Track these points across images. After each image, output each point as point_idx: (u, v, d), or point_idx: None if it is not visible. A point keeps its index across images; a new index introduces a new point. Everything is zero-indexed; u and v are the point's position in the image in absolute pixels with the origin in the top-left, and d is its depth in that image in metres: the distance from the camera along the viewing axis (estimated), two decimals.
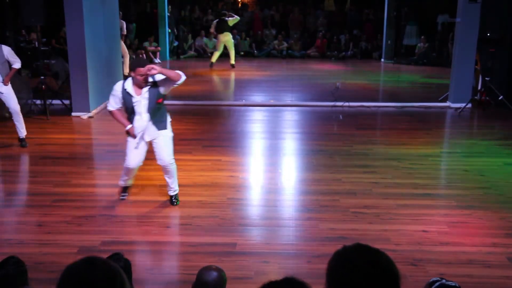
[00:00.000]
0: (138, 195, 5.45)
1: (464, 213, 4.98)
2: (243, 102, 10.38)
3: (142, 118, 4.82)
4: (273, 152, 7.16)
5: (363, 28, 18.30)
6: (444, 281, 2.31)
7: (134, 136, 4.89)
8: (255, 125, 8.80)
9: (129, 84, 4.79)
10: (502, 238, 4.48)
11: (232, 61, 14.80)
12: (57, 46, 14.29)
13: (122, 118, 4.93)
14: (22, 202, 5.44)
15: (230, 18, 14.62)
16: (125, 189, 5.34)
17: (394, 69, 15.74)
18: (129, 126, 4.87)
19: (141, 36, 16.80)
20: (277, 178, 6.03)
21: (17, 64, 7.04)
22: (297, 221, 4.82)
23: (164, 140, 4.93)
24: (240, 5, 19.90)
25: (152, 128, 4.88)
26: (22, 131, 7.14)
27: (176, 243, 4.38)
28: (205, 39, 17.73)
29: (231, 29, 15.21)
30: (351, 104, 9.92)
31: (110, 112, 5.00)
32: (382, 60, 16.95)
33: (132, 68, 4.77)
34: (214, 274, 2.78)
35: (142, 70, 4.64)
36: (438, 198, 5.46)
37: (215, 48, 15.47)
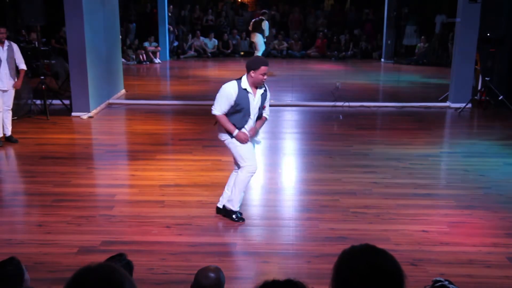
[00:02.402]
0: (138, 195, 5.44)
1: (464, 213, 4.98)
2: None
3: (252, 120, 4.64)
4: (273, 152, 7.16)
5: (363, 28, 18.31)
6: (446, 283, 2.32)
7: (245, 141, 4.57)
8: None
9: (245, 83, 4.54)
10: (502, 238, 4.48)
11: None
12: (57, 46, 14.30)
13: (228, 123, 4.55)
14: (22, 202, 5.43)
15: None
16: (241, 214, 4.81)
17: (394, 69, 15.74)
18: (235, 132, 4.54)
19: (141, 36, 16.82)
20: (277, 178, 6.03)
21: (23, 65, 7.40)
22: (297, 221, 4.82)
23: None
24: (238, 3, 19.86)
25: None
26: (10, 128, 7.33)
27: (176, 243, 4.37)
28: (204, 39, 17.73)
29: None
30: (351, 104, 9.92)
31: (216, 116, 4.57)
32: (382, 60, 16.96)
33: (255, 66, 4.52)
34: (212, 276, 2.77)
35: (265, 68, 4.54)
36: (438, 198, 5.45)
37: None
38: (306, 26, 18.94)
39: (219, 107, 4.53)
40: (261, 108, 4.68)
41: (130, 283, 1.65)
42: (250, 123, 4.63)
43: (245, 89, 4.52)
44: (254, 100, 4.59)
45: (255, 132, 4.66)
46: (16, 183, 6.11)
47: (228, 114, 4.55)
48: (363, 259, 1.74)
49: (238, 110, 4.54)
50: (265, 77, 4.55)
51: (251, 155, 4.64)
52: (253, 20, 14.49)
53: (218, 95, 4.57)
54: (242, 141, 4.56)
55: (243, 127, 4.60)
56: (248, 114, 4.58)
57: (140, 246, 4.27)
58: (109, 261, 2.61)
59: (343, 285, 1.74)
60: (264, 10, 15.13)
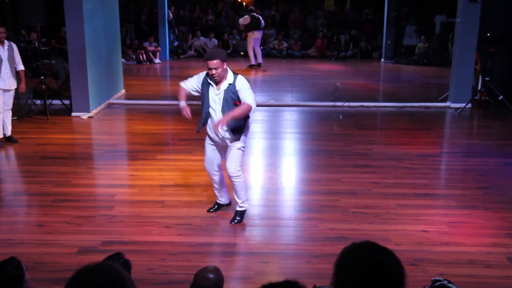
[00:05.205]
0: (138, 195, 5.44)
1: (464, 213, 4.98)
2: None
3: (215, 113, 4.57)
4: (273, 152, 7.16)
5: (363, 28, 18.31)
6: (446, 282, 2.32)
7: (184, 113, 4.61)
8: (255, 125, 8.77)
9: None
10: (502, 238, 4.48)
11: (260, 60, 14.92)
12: (57, 46, 14.30)
13: (181, 95, 4.64)
14: (22, 202, 5.43)
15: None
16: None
17: (394, 69, 15.75)
18: (181, 104, 4.60)
19: (141, 36, 16.82)
20: (277, 178, 6.03)
21: (21, 66, 7.44)
22: (297, 221, 4.82)
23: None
24: (244, 4, 19.89)
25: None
26: (10, 128, 7.34)
27: (176, 243, 4.37)
28: (204, 39, 17.74)
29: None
30: (351, 104, 9.92)
31: (179, 87, 4.66)
32: (382, 60, 16.96)
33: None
34: (211, 277, 2.76)
35: (209, 63, 4.31)
36: (438, 198, 5.46)
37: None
38: (306, 26, 18.93)
39: (188, 81, 4.62)
40: (231, 102, 4.39)
41: (130, 282, 1.66)
42: (214, 116, 4.48)
43: (207, 80, 4.46)
44: (216, 93, 4.43)
45: (218, 126, 4.34)
46: (16, 183, 6.11)
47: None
48: (364, 257, 1.75)
49: (202, 100, 4.55)
50: (213, 71, 4.31)
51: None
52: (247, 17, 14.67)
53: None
54: (182, 112, 4.52)
55: (205, 116, 4.55)
56: (207, 106, 4.49)
57: (140, 246, 4.27)
58: (107, 261, 2.61)
59: (344, 282, 1.74)
60: (251, 7, 15.41)
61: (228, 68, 4.44)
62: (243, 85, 4.39)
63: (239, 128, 4.51)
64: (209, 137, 4.67)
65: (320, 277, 3.48)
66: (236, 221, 4.73)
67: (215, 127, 4.40)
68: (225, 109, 4.40)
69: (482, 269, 3.94)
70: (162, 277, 3.79)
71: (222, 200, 5.00)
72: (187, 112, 4.49)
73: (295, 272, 3.80)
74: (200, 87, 4.54)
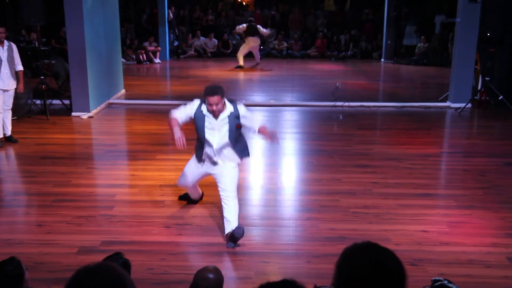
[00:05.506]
0: (138, 195, 5.44)
1: (464, 213, 4.98)
2: (243, 102, 10.37)
3: (215, 144, 4.52)
4: (273, 152, 7.16)
5: (363, 28, 18.31)
6: (446, 282, 2.32)
7: (178, 142, 4.48)
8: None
9: (205, 106, 4.40)
10: (502, 238, 4.48)
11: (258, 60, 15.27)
12: (57, 46, 14.30)
13: (175, 126, 4.50)
14: (22, 202, 5.43)
15: (261, 29, 15.00)
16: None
17: (394, 69, 15.75)
18: (176, 131, 4.44)
19: (141, 36, 16.82)
20: (277, 178, 6.03)
21: (20, 66, 7.43)
22: (297, 221, 4.82)
23: None
24: (245, 4, 19.97)
25: None
26: (10, 128, 7.34)
27: (176, 243, 4.37)
28: (204, 39, 17.74)
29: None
30: (351, 104, 9.92)
31: (169, 118, 4.53)
32: (382, 60, 16.96)
33: (204, 95, 4.31)
34: (211, 277, 2.76)
35: (209, 99, 4.23)
36: (438, 198, 5.46)
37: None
38: (306, 26, 18.94)
39: (178, 111, 4.47)
40: (234, 127, 4.38)
41: (130, 283, 1.66)
42: (212, 142, 4.40)
43: (202, 111, 4.35)
44: (213, 121, 4.35)
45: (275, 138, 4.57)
46: (16, 183, 6.11)
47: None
48: (365, 257, 1.75)
49: (197, 130, 4.44)
50: (213, 107, 4.24)
51: None
52: (245, 25, 15.09)
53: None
54: (176, 140, 4.37)
55: (202, 150, 4.50)
56: (203, 134, 4.40)
57: (140, 246, 4.27)
58: (106, 261, 2.61)
59: (345, 283, 1.74)
60: (250, 18, 15.86)
61: (225, 99, 4.38)
62: (246, 112, 4.45)
63: (245, 146, 4.58)
64: (199, 160, 4.60)
65: (320, 277, 3.48)
66: (236, 244, 4.33)
67: (273, 138, 4.53)
68: (232, 134, 4.39)
69: (482, 269, 3.94)
70: (162, 277, 3.79)
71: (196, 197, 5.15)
72: (183, 142, 4.37)
73: (295, 272, 3.80)
74: (193, 117, 4.44)
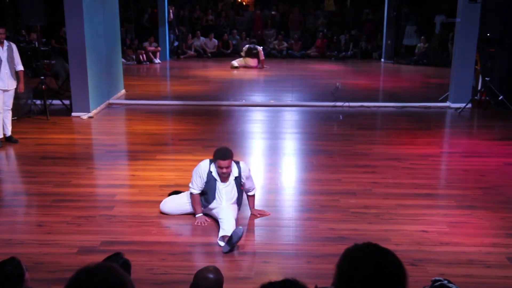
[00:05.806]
0: (138, 195, 5.44)
1: (464, 213, 4.98)
2: (243, 102, 10.38)
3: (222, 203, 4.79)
4: (273, 152, 7.16)
5: (363, 28, 18.31)
6: (446, 282, 2.32)
7: (200, 224, 4.75)
8: (255, 125, 8.80)
9: (214, 168, 4.65)
10: (502, 238, 4.47)
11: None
12: (57, 46, 14.30)
13: (197, 204, 4.75)
14: (22, 202, 5.43)
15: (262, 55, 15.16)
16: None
17: (394, 69, 15.75)
18: (199, 214, 4.74)
19: (141, 36, 16.82)
20: (277, 178, 6.03)
21: (20, 66, 7.43)
22: (297, 221, 4.82)
23: None
24: (245, 4, 20.01)
25: None
26: (10, 128, 7.34)
27: (176, 243, 4.37)
28: (204, 39, 17.74)
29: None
30: (351, 104, 9.92)
31: (192, 195, 4.74)
32: (382, 60, 16.97)
33: (214, 158, 4.60)
34: (211, 277, 2.76)
35: (221, 162, 4.50)
36: (438, 198, 5.46)
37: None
38: (306, 26, 18.94)
39: (196, 185, 4.67)
40: (240, 192, 4.71)
41: (130, 283, 1.66)
42: (218, 205, 4.62)
43: (211, 172, 4.60)
44: (223, 185, 4.62)
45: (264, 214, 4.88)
46: (16, 183, 6.11)
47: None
48: (366, 258, 1.75)
49: (207, 191, 4.64)
50: (223, 170, 4.49)
51: None
52: (247, 46, 15.29)
53: (193, 172, 4.70)
54: (198, 224, 4.65)
55: (207, 204, 4.69)
56: (213, 197, 4.63)
57: (140, 246, 4.27)
58: (106, 261, 2.62)
59: (345, 283, 1.74)
60: (253, 40, 16.33)
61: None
62: (248, 174, 4.74)
63: (241, 200, 4.83)
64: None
65: (320, 277, 3.48)
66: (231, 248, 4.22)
67: (262, 214, 4.86)
68: (239, 197, 4.72)
69: (482, 269, 3.94)
70: (162, 277, 3.79)
71: None
72: (205, 221, 4.67)
73: (295, 272, 3.80)
74: (205, 181, 4.63)
